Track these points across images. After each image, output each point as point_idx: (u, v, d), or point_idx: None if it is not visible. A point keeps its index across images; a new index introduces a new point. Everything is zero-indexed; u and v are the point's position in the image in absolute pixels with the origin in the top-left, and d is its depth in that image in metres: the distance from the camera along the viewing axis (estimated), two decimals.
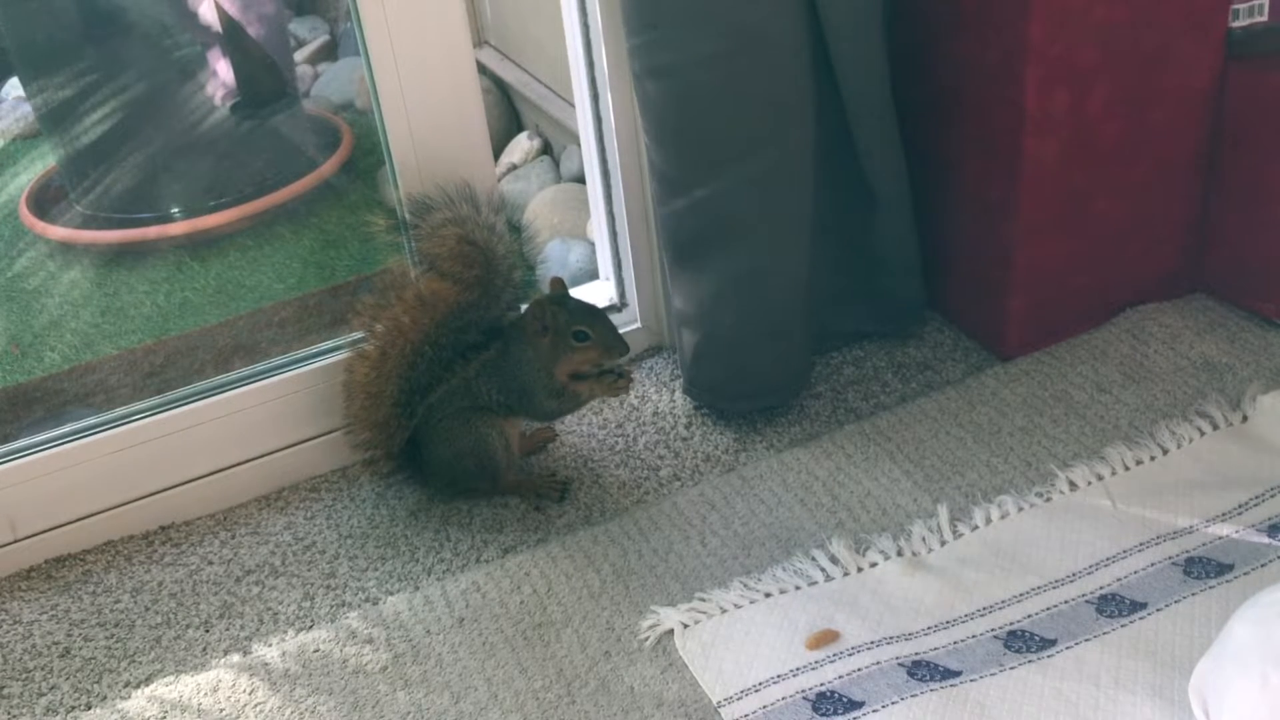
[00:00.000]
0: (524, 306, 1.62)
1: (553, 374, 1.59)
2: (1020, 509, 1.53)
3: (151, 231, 2.75)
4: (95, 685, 1.48)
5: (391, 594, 1.55)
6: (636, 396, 1.84)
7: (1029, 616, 1.38)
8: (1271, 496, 1.48)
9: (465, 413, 1.62)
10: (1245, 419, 1.62)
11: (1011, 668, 1.31)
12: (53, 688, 1.48)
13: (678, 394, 1.84)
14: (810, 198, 1.66)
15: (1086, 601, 1.38)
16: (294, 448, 1.75)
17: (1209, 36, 1.68)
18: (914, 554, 1.48)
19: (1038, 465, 1.60)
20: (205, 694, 1.43)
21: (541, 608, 1.48)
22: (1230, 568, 1.40)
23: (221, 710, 1.41)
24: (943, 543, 1.50)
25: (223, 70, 2.82)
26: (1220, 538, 1.44)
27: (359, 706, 1.39)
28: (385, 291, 1.62)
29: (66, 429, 1.69)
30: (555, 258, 2.28)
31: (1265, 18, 1.69)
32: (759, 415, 1.77)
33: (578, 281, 2.07)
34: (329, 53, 3.51)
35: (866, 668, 1.33)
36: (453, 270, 1.59)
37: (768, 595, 1.45)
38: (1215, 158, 1.77)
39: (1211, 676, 1.16)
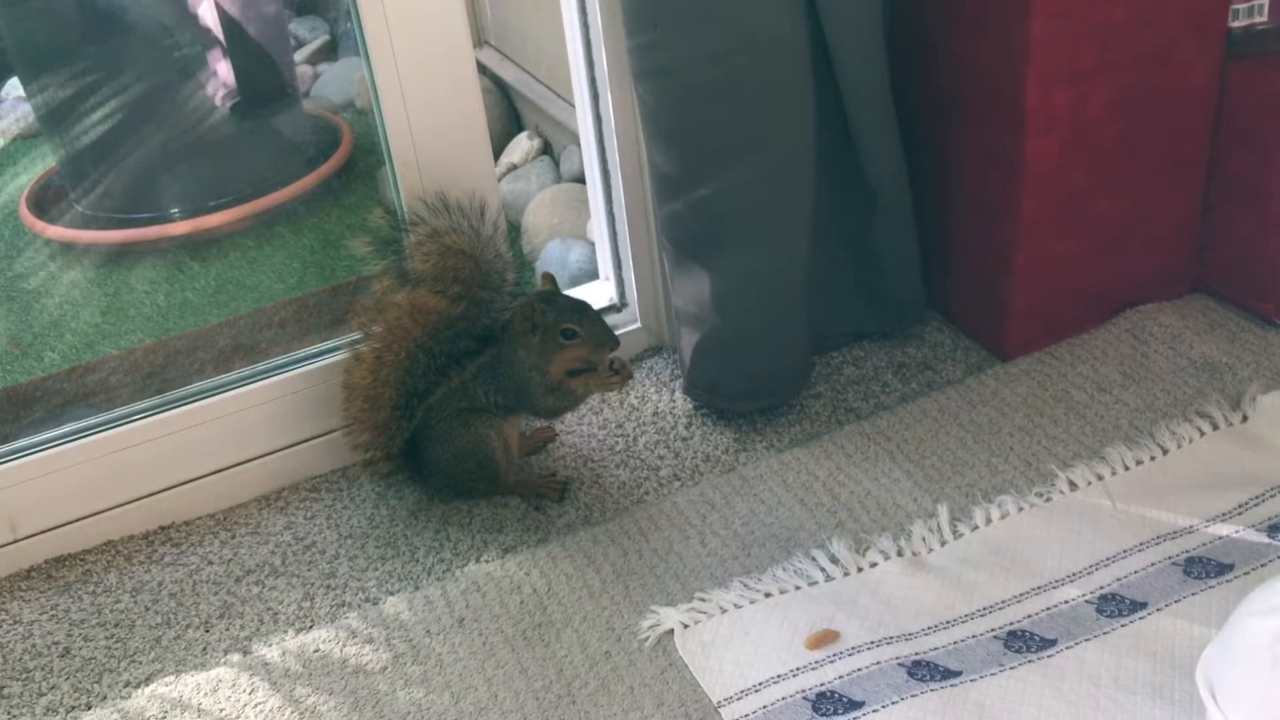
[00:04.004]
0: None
1: (546, 372, 1.59)
2: (1020, 509, 1.53)
3: (151, 231, 2.75)
4: (95, 685, 1.48)
5: (391, 594, 1.55)
6: (636, 396, 1.84)
7: (1029, 616, 1.38)
8: (1271, 496, 1.49)
9: (464, 414, 1.62)
10: (1245, 419, 1.62)
11: (1011, 668, 1.31)
12: (53, 688, 1.48)
13: (678, 394, 1.84)
14: (810, 197, 1.66)
15: (1086, 601, 1.38)
16: (294, 448, 1.75)
17: (1209, 36, 1.68)
18: (914, 554, 1.48)
19: (1038, 465, 1.60)
20: (205, 694, 1.43)
21: (541, 608, 1.48)
22: (1230, 567, 1.40)
23: (221, 710, 1.41)
24: (943, 543, 1.50)
25: (223, 70, 2.82)
26: (1220, 537, 1.44)
27: (359, 706, 1.39)
28: (381, 296, 1.62)
29: (66, 429, 1.69)
30: (555, 258, 2.28)
31: (1265, 18, 1.69)
32: (759, 415, 1.77)
33: (578, 282, 2.07)
34: (329, 53, 3.51)
35: (866, 668, 1.33)
36: (437, 286, 1.59)
37: (768, 595, 1.45)
38: (1215, 158, 1.77)
39: (1219, 661, 1.16)
